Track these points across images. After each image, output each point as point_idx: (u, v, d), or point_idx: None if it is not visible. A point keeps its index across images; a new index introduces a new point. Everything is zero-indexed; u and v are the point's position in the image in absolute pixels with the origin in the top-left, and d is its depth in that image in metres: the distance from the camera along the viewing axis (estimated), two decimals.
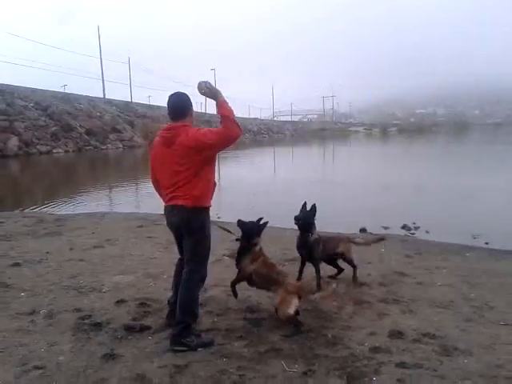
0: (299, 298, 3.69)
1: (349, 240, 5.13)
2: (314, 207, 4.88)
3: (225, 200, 11.75)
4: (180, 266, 3.72)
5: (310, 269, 4.81)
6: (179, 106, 3.56)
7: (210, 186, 3.52)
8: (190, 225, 3.45)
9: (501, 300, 4.37)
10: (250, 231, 4.12)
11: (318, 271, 4.73)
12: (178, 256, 3.83)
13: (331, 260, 5.08)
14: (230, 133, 3.32)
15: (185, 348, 3.35)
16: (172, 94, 3.61)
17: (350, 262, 4.99)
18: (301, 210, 4.87)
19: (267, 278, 3.91)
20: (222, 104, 3.36)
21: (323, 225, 8.19)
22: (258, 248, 4.10)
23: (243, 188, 13.70)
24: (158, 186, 3.73)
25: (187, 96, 3.64)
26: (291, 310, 3.64)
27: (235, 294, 4.19)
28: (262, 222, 4.15)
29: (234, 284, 4.21)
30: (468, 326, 3.77)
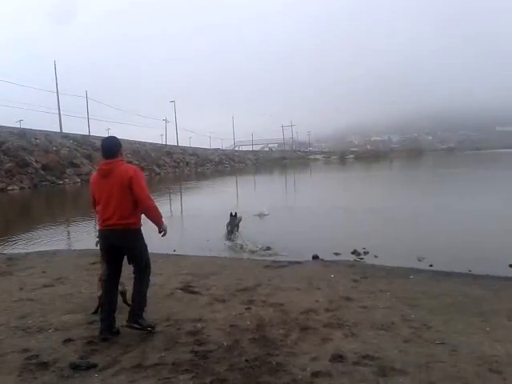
0: None
1: None
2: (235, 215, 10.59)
3: (182, 233, 11.79)
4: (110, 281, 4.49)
5: None
6: (112, 147, 4.41)
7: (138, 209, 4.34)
8: (133, 240, 4.34)
9: (438, 320, 4.59)
10: None
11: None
12: None
13: None
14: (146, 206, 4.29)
15: (139, 327, 4.29)
16: (105, 139, 4.62)
17: None
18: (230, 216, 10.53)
19: None
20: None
21: (278, 251, 8.48)
22: None
23: (202, 219, 13.71)
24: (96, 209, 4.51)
25: (117, 139, 4.59)
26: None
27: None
28: None
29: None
30: (406, 346, 3.95)
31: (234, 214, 10.62)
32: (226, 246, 9.64)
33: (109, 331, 4.27)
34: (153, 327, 4.42)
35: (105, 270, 4.58)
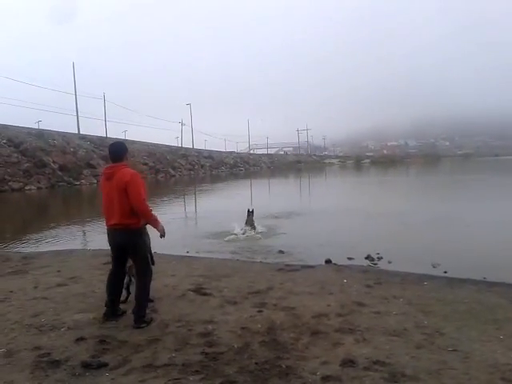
0: None
1: None
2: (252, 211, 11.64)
3: (196, 234, 11.83)
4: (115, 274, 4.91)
5: None
6: (117, 152, 4.78)
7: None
8: (134, 238, 4.66)
9: (451, 327, 4.53)
10: None
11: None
12: None
13: None
14: (140, 211, 4.56)
15: (145, 324, 4.63)
16: (112, 144, 4.98)
17: None
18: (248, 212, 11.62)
19: None
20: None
21: (291, 254, 8.48)
22: None
23: (215, 221, 13.73)
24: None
25: (124, 144, 4.99)
26: None
27: None
28: None
29: None
30: (418, 352, 3.91)
31: (251, 210, 11.67)
32: (241, 232, 10.96)
33: (113, 314, 4.83)
34: (152, 318, 4.82)
35: (111, 265, 4.98)
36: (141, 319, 4.65)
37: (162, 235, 4.78)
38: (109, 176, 4.67)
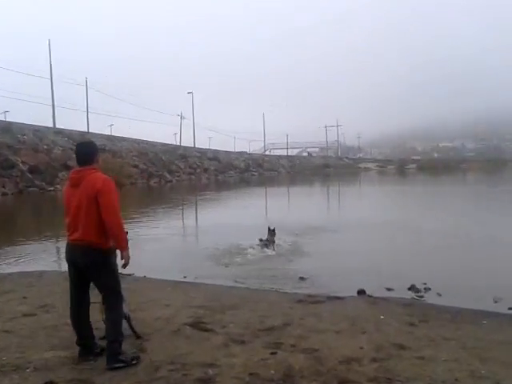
0: None
1: None
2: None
3: (195, 255, 11.85)
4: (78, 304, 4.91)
5: None
6: (86, 153, 4.82)
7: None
8: (95, 259, 4.66)
9: None
10: None
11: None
12: None
13: None
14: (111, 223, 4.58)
15: (122, 364, 4.52)
16: (79, 143, 5.15)
17: None
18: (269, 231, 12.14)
19: None
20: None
21: (314, 282, 8.45)
22: None
23: (219, 238, 13.76)
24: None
25: (94, 144, 5.12)
26: None
27: None
28: None
29: None
30: None
31: (272, 228, 12.19)
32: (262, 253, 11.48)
33: (89, 353, 4.83)
34: (138, 358, 4.75)
35: (71, 292, 4.96)
36: (114, 358, 4.57)
37: (126, 263, 4.73)
38: (75, 182, 4.72)
